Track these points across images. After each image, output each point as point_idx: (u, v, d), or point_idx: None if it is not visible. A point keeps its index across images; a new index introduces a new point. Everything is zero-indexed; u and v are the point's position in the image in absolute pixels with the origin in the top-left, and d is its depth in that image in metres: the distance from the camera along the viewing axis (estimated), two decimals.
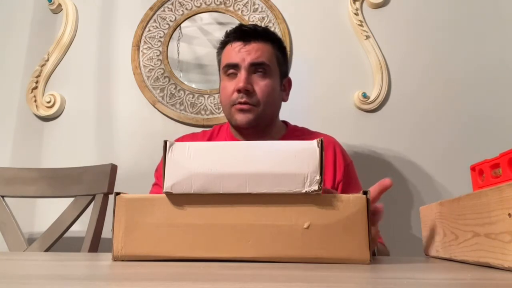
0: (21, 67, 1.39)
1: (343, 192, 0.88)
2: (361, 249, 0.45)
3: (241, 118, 0.90)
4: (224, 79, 0.94)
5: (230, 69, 0.93)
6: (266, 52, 0.93)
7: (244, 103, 0.89)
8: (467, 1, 1.35)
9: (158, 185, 0.94)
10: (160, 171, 0.91)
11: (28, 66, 1.39)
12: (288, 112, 1.03)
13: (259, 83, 0.91)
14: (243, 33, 0.94)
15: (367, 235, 0.46)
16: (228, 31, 0.97)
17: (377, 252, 0.74)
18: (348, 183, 0.92)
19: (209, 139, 0.99)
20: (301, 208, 0.47)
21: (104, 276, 0.38)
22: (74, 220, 1.03)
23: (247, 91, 0.89)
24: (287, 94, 1.01)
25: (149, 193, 0.92)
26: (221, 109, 1.30)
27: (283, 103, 0.99)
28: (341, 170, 0.92)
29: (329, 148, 0.94)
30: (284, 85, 0.99)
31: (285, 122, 1.03)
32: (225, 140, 0.98)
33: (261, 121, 0.92)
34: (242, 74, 0.90)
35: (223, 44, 0.98)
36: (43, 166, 1.29)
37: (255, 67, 0.91)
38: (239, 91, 0.89)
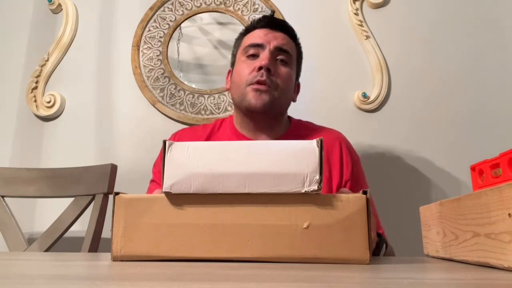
0: (21, 67, 1.39)
1: (351, 191, 0.87)
2: (361, 249, 0.45)
3: (256, 99, 0.85)
4: (242, 61, 0.90)
5: (252, 49, 0.89)
6: (291, 45, 0.92)
7: (263, 82, 0.85)
8: (467, 1, 1.35)
9: (155, 181, 0.91)
10: (158, 166, 0.89)
11: (28, 66, 1.39)
12: (288, 112, 1.02)
13: (280, 68, 0.88)
14: (272, 22, 0.92)
15: (367, 235, 0.45)
16: (255, 18, 0.95)
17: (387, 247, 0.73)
18: (356, 180, 0.89)
19: (210, 134, 0.95)
20: (301, 208, 0.46)
21: (104, 276, 0.38)
22: (74, 220, 1.03)
23: (268, 69, 0.85)
24: (296, 96, 0.99)
25: (147, 190, 0.91)
26: (221, 109, 1.30)
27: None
28: (349, 168, 0.89)
29: (335, 146, 0.91)
30: (296, 86, 0.98)
31: (288, 117, 1.00)
32: (228, 134, 0.94)
33: (275, 107, 0.87)
34: (265, 54, 0.87)
35: (248, 30, 0.94)
36: (43, 166, 1.29)
37: (278, 53, 0.89)
38: (260, 68, 0.85)
